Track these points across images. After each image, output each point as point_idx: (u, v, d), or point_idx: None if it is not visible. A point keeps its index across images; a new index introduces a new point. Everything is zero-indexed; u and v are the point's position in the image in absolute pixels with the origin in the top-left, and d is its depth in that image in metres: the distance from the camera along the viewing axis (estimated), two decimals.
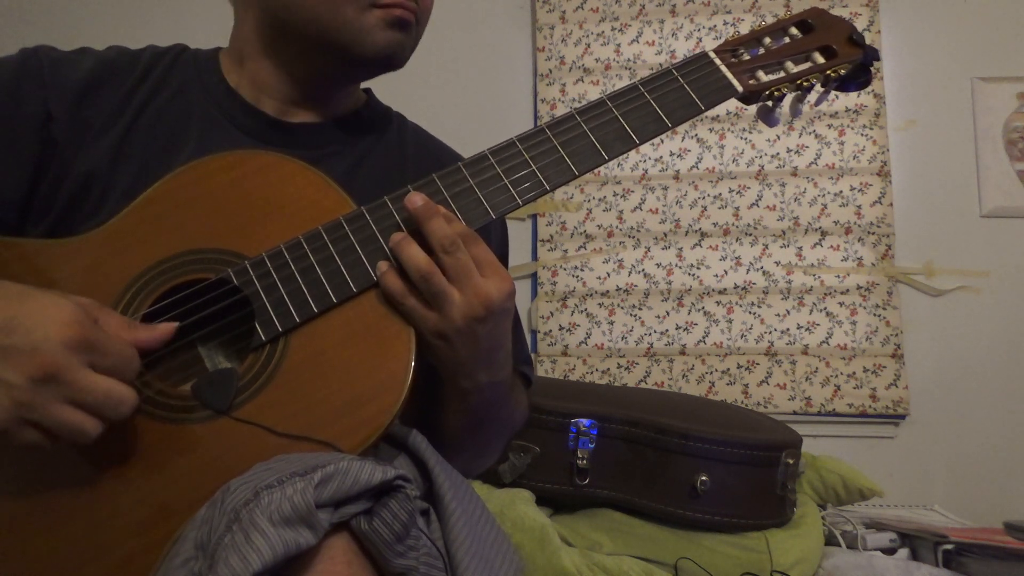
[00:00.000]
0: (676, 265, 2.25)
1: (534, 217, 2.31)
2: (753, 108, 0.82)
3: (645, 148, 2.30)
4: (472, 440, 0.80)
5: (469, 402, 0.73)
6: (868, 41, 0.79)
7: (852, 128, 2.25)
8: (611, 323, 2.24)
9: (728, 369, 2.19)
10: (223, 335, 0.71)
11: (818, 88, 0.80)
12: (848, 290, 2.19)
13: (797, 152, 2.26)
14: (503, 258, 0.96)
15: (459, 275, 0.66)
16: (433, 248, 0.66)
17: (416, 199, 0.68)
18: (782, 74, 0.78)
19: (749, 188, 2.26)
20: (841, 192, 2.23)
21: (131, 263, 0.70)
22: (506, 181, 0.73)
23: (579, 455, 1.35)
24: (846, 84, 0.80)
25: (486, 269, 0.67)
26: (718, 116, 2.29)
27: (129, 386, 0.58)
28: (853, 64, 0.78)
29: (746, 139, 2.28)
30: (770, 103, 0.79)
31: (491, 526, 0.68)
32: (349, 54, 0.80)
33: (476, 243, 0.68)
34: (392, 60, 0.82)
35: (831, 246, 2.22)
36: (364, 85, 0.95)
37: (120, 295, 0.68)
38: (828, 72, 0.78)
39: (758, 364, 2.18)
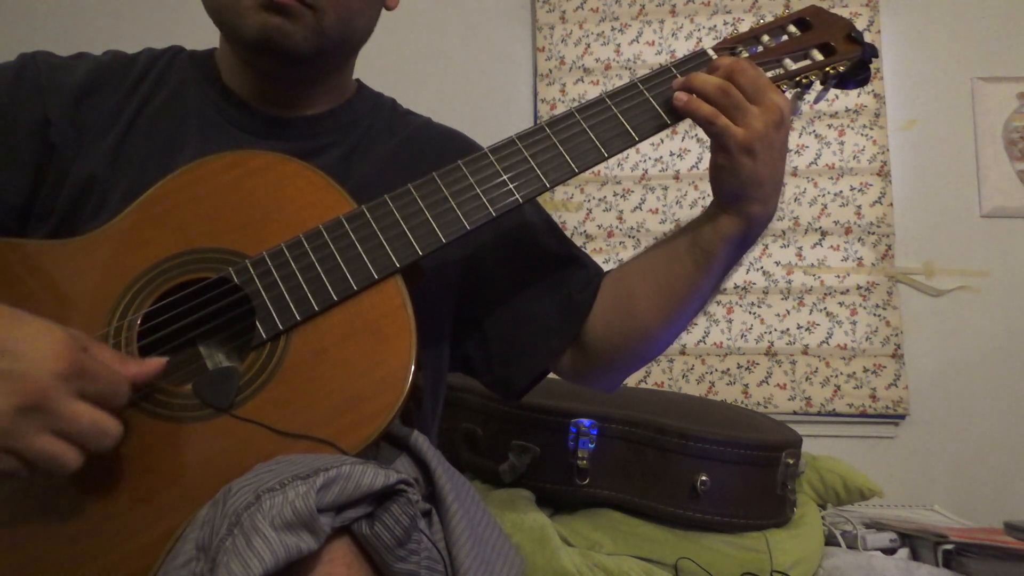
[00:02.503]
0: None
1: None
2: None
3: (645, 148, 2.30)
4: (709, 296, 0.84)
5: (745, 238, 0.78)
6: (868, 40, 0.79)
7: (852, 128, 2.25)
8: None
9: (728, 369, 2.19)
10: (224, 334, 0.71)
11: (817, 86, 0.80)
12: (848, 290, 2.19)
13: (797, 152, 2.26)
14: (548, 224, 0.96)
15: (752, 89, 0.72)
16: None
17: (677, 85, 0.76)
18: (781, 71, 0.78)
19: None
20: (841, 192, 2.23)
21: (132, 263, 0.70)
22: (505, 178, 0.74)
23: (579, 455, 1.34)
24: (845, 81, 0.80)
25: (767, 85, 0.74)
26: None
27: (115, 418, 0.58)
28: (852, 61, 0.78)
29: None
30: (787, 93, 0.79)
31: (492, 527, 0.68)
32: (235, 38, 0.79)
33: (752, 67, 0.74)
34: (274, 45, 0.76)
35: (831, 246, 2.22)
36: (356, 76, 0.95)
37: (121, 295, 0.68)
38: (827, 69, 0.78)
39: (758, 364, 2.18)
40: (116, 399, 0.58)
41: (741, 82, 0.72)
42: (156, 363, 0.63)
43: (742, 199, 0.76)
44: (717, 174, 0.76)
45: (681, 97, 0.74)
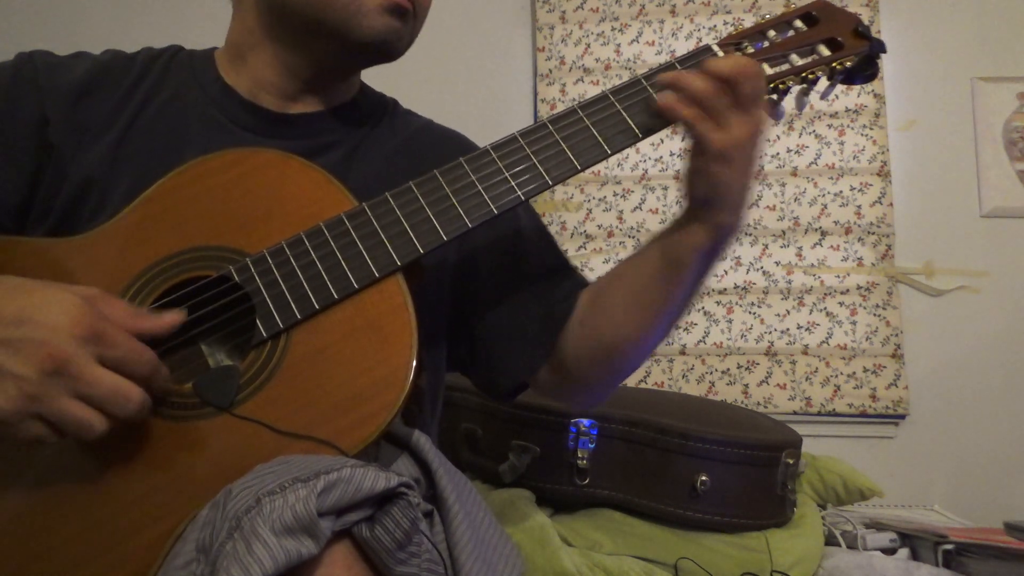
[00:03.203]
0: None
1: None
2: None
3: (645, 148, 2.30)
4: (682, 306, 0.83)
5: (714, 248, 0.77)
6: None
7: (852, 128, 2.25)
8: None
9: (728, 369, 2.18)
10: (224, 332, 0.71)
11: (824, 81, 0.79)
12: (848, 290, 2.19)
13: (797, 152, 2.26)
14: (540, 232, 0.95)
15: (751, 97, 0.71)
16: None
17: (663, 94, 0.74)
18: (787, 67, 0.77)
19: None
20: (841, 192, 2.23)
21: (133, 261, 0.70)
22: (507, 175, 0.73)
23: (579, 455, 1.34)
24: (852, 77, 0.79)
25: (760, 97, 0.73)
26: None
27: (137, 385, 0.58)
28: (859, 56, 0.77)
29: None
30: (775, 96, 0.78)
31: (493, 528, 0.67)
32: (345, 38, 0.80)
33: (762, 76, 0.73)
34: (387, 47, 0.82)
35: (831, 246, 2.22)
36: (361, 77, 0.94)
37: (122, 293, 0.68)
38: (834, 64, 0.77)
39: (758, 364, 2.18)
40: (137, 367, 0.59)
41: (745, 87, 0.70)
42: (173, 317, 0.64)
43: (712, 205, 0.74)
44: (691, 178, 0.75)
45: (667, 98, 0.72)
